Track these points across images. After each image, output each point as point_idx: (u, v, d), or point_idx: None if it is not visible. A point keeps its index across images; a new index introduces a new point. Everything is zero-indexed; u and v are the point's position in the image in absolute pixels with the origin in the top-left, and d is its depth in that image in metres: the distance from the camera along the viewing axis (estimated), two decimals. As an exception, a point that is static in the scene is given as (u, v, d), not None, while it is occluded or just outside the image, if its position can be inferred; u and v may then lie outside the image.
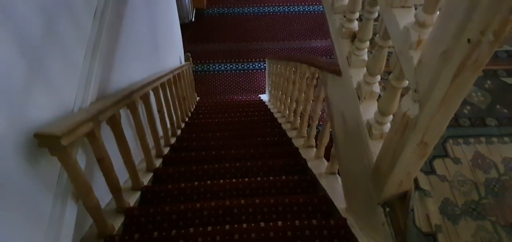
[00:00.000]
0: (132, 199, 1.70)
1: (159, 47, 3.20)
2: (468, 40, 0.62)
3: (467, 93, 0.71)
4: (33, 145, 0.98)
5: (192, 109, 4.33)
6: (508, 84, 1.43)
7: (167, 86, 2.75)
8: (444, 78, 0.69)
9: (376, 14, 1.21)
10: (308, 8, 6.12)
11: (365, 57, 1.33)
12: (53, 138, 0.98)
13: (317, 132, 2.28)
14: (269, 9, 6.13)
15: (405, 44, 0.85)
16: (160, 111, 2.46)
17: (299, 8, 6.13)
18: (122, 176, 1.68)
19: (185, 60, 4.95)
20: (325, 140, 2.06)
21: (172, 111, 2.95)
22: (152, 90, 2.24)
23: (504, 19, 0.58)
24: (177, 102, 3.18)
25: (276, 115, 3.71)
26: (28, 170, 0.97)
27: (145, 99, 2.02)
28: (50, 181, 1.10)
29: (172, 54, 4.11)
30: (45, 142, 1.00)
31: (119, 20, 1.88)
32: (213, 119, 3.86)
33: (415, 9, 0.87)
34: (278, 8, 6.13)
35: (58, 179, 1.13)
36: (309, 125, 2.45)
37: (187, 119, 3.75)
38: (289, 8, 6.13)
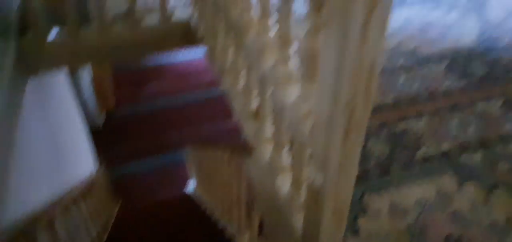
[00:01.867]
0: None
1: (63, 162, 2.88)
2: (346, 104, 0.63)
3: (360, 151, 0.71)
4: None
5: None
6: (401, 130, 1.57)
7: (73, 205, 2.41)
8: (335, 143, 0.69)
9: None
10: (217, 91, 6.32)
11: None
12: None
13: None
14: (182, 99, 6.16)
15: (297, 116, 0.86)
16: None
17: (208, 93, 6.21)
18: None
19: (98, 168, 4.55)
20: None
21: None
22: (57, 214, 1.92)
23: (368, 79, 0.61)
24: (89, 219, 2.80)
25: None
26: None
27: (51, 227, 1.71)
28: None
29: (82, 165, 3.74)
30: None
31: (8, 141, 1.62)
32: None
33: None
34: (189, 96, 6.18)
35: None
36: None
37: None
38: (198, 95, 6.21)
